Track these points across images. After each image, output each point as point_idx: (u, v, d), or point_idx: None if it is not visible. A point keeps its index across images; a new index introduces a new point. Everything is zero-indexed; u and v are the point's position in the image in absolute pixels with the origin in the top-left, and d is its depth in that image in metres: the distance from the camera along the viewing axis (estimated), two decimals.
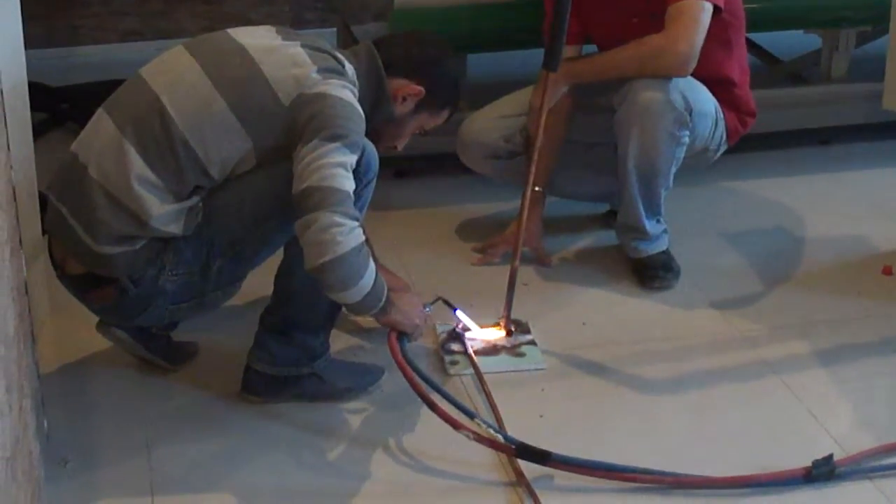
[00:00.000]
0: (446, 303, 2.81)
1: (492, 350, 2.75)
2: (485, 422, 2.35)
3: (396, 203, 3.47)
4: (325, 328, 2.54)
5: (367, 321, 2.73)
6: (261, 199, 2.37)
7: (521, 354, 2.74)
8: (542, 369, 2.70)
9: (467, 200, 3.50)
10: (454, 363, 2.70)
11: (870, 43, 3.87)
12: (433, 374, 2.61)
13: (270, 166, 2.36)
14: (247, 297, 2.74)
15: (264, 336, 2.52)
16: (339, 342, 2.73)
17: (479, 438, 2.32)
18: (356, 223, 2.25)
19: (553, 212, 3.29)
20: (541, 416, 2.53)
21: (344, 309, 2.43)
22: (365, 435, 2.47)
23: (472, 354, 2.72)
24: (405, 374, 2.42)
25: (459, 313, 2.79)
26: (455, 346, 2.76)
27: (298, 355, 2.51)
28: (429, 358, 2.72)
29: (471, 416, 2.37)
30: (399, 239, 3.24)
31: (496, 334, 2.79)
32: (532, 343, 2.78)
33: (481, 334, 2.78)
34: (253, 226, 2.40)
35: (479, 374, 2.65)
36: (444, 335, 2.80)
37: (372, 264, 2.30)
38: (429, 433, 2.43)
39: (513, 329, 2.81)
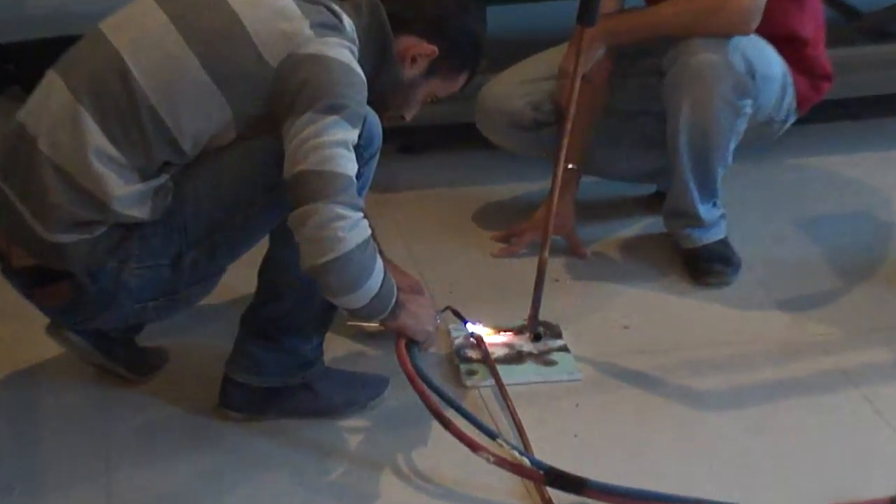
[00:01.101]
0: (456, 314, 2.82)
1: (516, 357, 2.75)
2: (508, 443, 2.34)
3: (403, 183, 3.46)
4: (318, 331, 2.53)
5: (369, 325, 2.70)
6: (243, 179, 2.37)
7: (552, 363, 2.75)
8: (576, 380, 2.70)
9: (487, 180, 3.49)
10: (471, 373, 2.70)
11: None
12: (447, 385, 2.61)
13: (254, 140, 2.35)
14: (226, 295, 2.74)
15: (247, 341, 2.52)
16: (336, 348, 2.73)
17: (502, 462, 2.31)
18: (361, 214, 2.24)
19: (589, 194, 3.28)
20: (575, 436, 2.53)
21: (344, 312, 2.42)
22: (366, 457, 2.47)
23: (493, 363, 2.72)
24: (414, 386, 2.41)
25: (471, 327, 2.80)
26: (472, 353, 2.76)
27: (287, 363, 2.52)
28: (442, 367, 2.72)
29: (492, 435, 2.36)
30: (406, 226, 3.24)
31: (520, 340, 2.80)
32: (564, 349, 2.78)
33: (501, 342, 2.79)
34: (233, 210, 2.39)
35: (500, 386, 2.65)
36: (459, 339, 2.80)
37: (380, 262, 2.30)
38: (442, 456, 2.43)
39: (541, 333, 2.81)
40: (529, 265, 2.85)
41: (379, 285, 2.29)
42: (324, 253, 2.21)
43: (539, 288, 2.80)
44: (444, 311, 2.79)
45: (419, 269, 3.00)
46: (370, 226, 2.27)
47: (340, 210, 2.20)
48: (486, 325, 2.83)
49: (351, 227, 2.21)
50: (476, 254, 3.18)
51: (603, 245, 3.23)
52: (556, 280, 3.03)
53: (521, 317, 2.83)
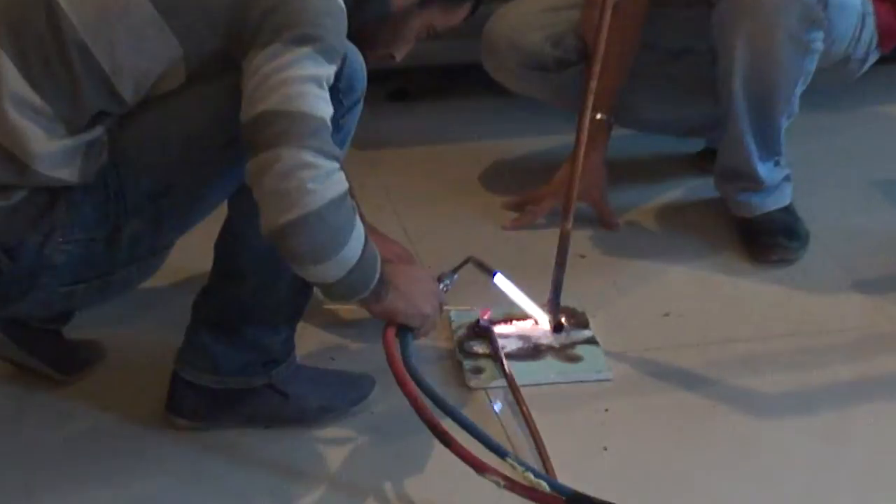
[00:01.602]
0: (480, 265, 2.80)
1: (533, 352, 2.75)
2: (522, 463, 2.31)
3: (393, 138, 3.47)
4: (289, 320, 2.53)
5: (350, 310, 2.73)
6: (195, 131, 2.35)
7: (576, 358, 2.75)
8: (606, 380, 2.70)
9: (497, 134, 3.50)
10: (477, 371, 2.70)
11: None
12: (447, 388, 2.61)
13: (207, 83, 2.33)
14: (174, 276, 2.76)
15: (200, 332, 2.51)
16: (309, 340, 2.73)
17: (514, 486, 2.28)
18: (336, 164, 2.22)
19: (622, 151, 3.27)
20: (604, 450, 2.52)
21: (318, 292, 2.40)
22: (346, 478, 2.46)
23: (504, 359, 2.71)
24: (405, 390, 2.39)
25: (500, 279, 2.78)
26: (479, 347, 2.75)
27: (249, 360, 2.51)
28: (441, 363, 2.72)
29: (501, 454, 2.32)
30: (396, 191, 3.24)
31: (538, 330, 2.81)
32: (591, 342, 2.78)
33: (515, 333, 2.79)
34: (183, 170, 2.37)
35: (513, 388, 2.64)
36: (462, 330, 2.80)
37: (360, 225, 2.27)
38: (440, 477, 2.41)
39: (563, 322, 2.81)
40: (549, 239, 2.84)
41: (358, 255, 2.26)
42: (287, 209, 2.18)
43: (561, 267, 2.79)
44: (464, 263, 2.78)
45: (413, 244, 3.01)
46: (348, 180, 2.24)
47: (309, 157, 2.18)
48: (497, 311, 2.82)
49: (323, 177, 2.18)
50: (483, 225, 3.19)
51: (639, 213, 3.24)
52: (582, 256, 3.04)
53: (539, 302, 2.82)
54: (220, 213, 2.46)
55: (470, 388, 2.66)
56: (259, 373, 2.51)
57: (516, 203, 3.24)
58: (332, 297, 2.40)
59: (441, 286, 2.66)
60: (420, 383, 2.41)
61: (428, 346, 2.67)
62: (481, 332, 2.79)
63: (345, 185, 2.23)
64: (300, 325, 2.57)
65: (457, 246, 3.06)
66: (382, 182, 3.20)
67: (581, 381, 2.69)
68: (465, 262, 2.80)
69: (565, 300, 2.81)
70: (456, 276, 2.71)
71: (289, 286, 2.43)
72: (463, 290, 2.81)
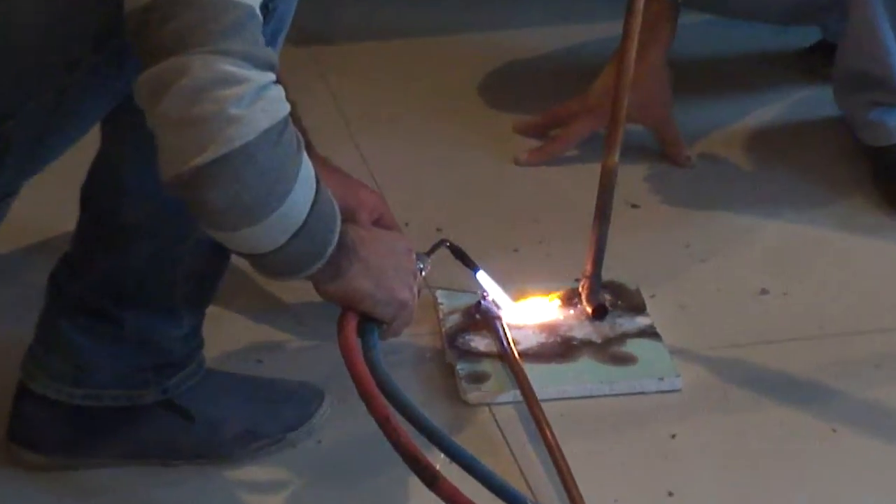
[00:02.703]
0: (457, 252, 2.83)
1: (562, 350, 2.77)
2: None
3: (348, 28, 3.45)
4: (194, 304, 2.55)
5: (292, 291, 2.75)
6: (52, 23, 2.33)
7: (627, 359, 2.77)
8: (672, 391, 2.71)
9: (502, 21, 3.50)
10: (478, 379, 2.71)
11: None
12: (434, 403, 2.63)
13: None
14: (19, 239, 2.81)
15: (59, 323, 2.52)
16: (227, 334, 2.76)
17: None
18: (271, 76, 2.21)
19: (695, 46, 3.27)
20: (669, 496, 2.52)
21: (238, 260, 2.39)
22: None
23: (518, 360, 2.71)
24: (372, 408, 2.37)
25: (483, 277, 2.81)
26: (479, 343, 2.77)
27: (136, 363, 2.52)
28: (424, 367, 2.74)
29: (514, 500, 2.32)
30: (354, 106, 3.26)
31: (570, 316, 2.82)
32: (650, 334, 2.80)
33: (535, 322, 2.81)
34: (34, 80, 2.36)
35: (532, 405, 2.64)
36: (455, 317, 2.82)
37: (309, 166, 2.26)
38: None
39: (607, 304, 2.82)
40: (585, 179, 2.87)
41: (306, 209, 2.25)
42: (200, 147, 2.16)
43: (603, 222, 2.80)
44: (436, 247, 2.80)
45: (379, 188, 2.99)
46: (289, 98, 2.23)
47: (230, 66, 2.15)
48: (507, 286, 2.84)
49: (252, 96, 2.17)
50: (486, 159, 3.22)
51: (720, 141, 3.28)
52: (635, 206, 3.08)
53: (572, 274, 2.84)
54: (88, 144, 2.45)
55: (467, 405, 2.66)
56: (150, 382, 2.52)
57: (535, 125, 3.27)
58: (268, 274, 2.39)
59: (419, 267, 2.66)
60: (394, 397, 2.39)
61: (406, 343, 2.69)
62: (483, 320, 2.80)
63: (285, 108, 2.20)
64: (212, 311, 2.57)
65: (446, 191, 3.09)
66: (334, 94, 3.21)
67: (635, 393, 2.70)
68: (439, 244, 2.81)
69: (609, 271, 2.83)
70: (430, 259, 2.72)
71: (195, 253, 2.45)
72: (450, 268, 2.84)
